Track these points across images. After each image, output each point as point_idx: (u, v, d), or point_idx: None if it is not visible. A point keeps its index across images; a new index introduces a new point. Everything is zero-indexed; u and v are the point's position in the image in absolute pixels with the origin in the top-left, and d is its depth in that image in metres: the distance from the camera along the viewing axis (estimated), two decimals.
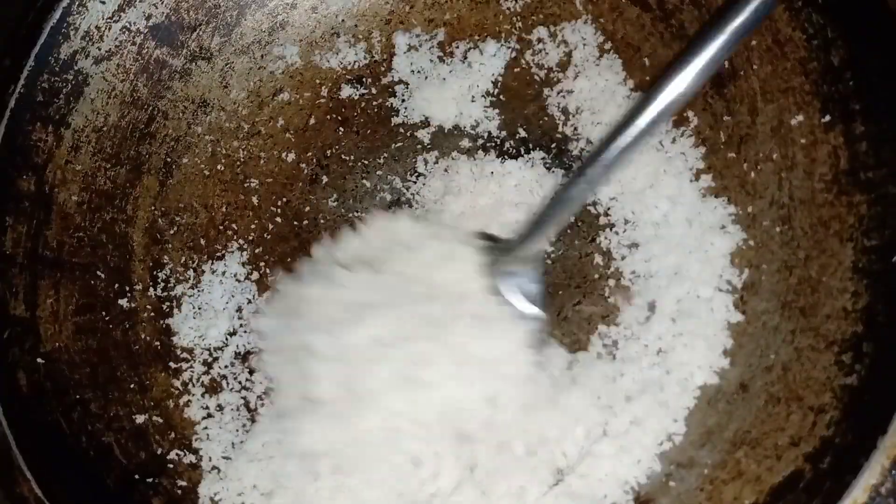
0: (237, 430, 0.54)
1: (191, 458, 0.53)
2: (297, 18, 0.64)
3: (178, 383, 0.56)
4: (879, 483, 0.41)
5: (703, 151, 0.56)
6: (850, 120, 0.49)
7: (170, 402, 0.55)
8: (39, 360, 0.52)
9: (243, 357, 0.56)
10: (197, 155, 0.61)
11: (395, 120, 0.61)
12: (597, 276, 0.55)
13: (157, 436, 0.53)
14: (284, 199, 0.60)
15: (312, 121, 0.62)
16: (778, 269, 0.51)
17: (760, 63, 0.53)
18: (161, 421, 0.54)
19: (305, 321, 0.49)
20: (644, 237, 0.55)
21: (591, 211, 0.57)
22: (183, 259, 0.59)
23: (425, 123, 0.61)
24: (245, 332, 0.57)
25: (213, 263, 0.59)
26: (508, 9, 0.62)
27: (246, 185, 0.61)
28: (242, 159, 0.62)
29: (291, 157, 0.61)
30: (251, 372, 0.56)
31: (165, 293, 0.58)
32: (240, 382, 0.55)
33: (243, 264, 0.59)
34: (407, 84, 0.62)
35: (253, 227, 0.60)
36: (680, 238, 0.54)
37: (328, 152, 0.61)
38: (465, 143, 0.60)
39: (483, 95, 0.61)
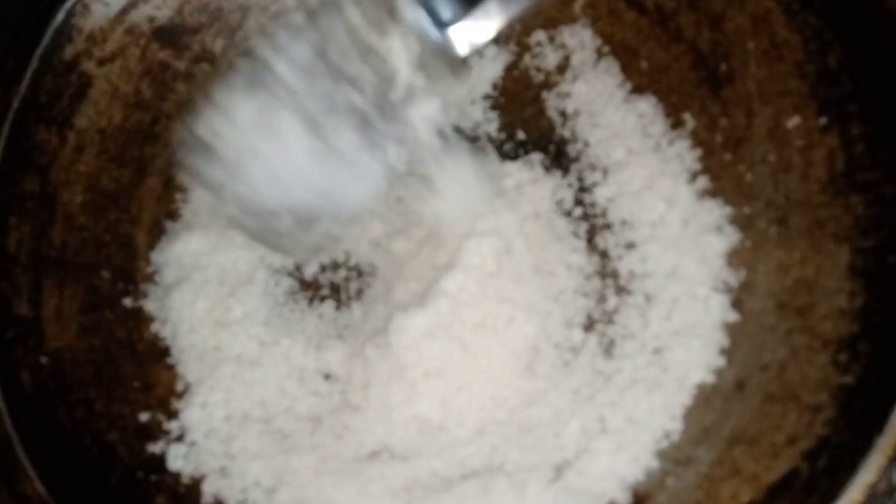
0: None
1: None
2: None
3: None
4: (876, 482, 0.41)
5: (700, 153, 0.56)
6: (846, 122, 0.49)
7: (173, 400, 0.55)
8: (43, 359, 0.52)
9: None
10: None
11: None
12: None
13: (161, 434, 0.54)
14: None
15: None
16: (774, 270, 0.51)
17: (757, 65, 0.54)
18: (165, 419, 0.54)
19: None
20: (641, 237, 0.55)
21: (587, 212, 0.57)
22: None
23: None
24: None
25: None
26: None
27: None
28: None
29: None
30: None
31: None
32: None
33: None
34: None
35: None
36: (676, 238, 0.54)
37: None
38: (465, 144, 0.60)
39: (482, 98, 0.61)
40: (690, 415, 0.50)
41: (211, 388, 0.53)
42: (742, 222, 0.53)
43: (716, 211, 0.54)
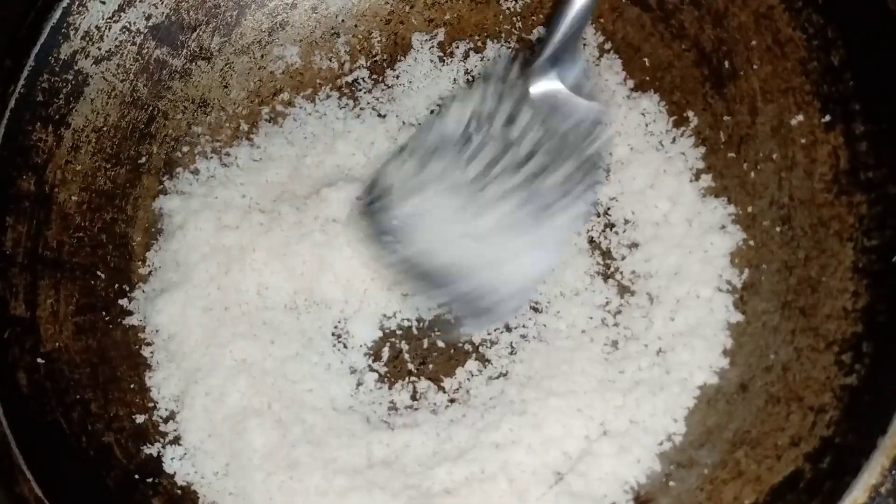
0: None
1: None
2: (297, 18, 0.64)
3: None
4: (879, 483, 0.41)
5: (703, 151, 0.56)
6: (850, 120, 0.49)
7: (170, 402, 0.55)
8: (40, 360, 0.52)
9: None
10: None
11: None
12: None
13: (158, 436, 0.53)
14: None
15: None
16: (778, 269, 0.51)
17: (760, 63, 0.53)
18: (161, 421, 0.54)
19: None
20: (644, 237, 0.55)
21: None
22: None
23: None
24: None
25: None
26: (508, 9, 0.62)
27: None
28: None
29: None
30: None
31: None
32: None
33: None
34: (410, 83, 0.62)
35: None
36: (680, 238, 0.54)
37: None
38: None
39: None
40: (693, 416, 0.50)
41: (207, 391, 0.52)
42: (746, 221, 0.53)
43: (720, 210, 0.54)
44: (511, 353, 0.54)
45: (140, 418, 0.53)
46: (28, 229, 0.55)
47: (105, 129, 0.59)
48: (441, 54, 0.62)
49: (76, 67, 0.57)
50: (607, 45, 0.60)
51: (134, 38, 0.59)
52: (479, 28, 0.62)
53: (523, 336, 0.54)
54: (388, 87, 0.62)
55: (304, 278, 0.55)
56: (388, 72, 0.62)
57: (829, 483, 0.43)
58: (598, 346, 0.53)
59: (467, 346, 0.55)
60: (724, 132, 0.55)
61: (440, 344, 0.55)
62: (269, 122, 0.62)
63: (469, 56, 0.62)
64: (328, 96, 0.62)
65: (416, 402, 0.54)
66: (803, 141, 0.51)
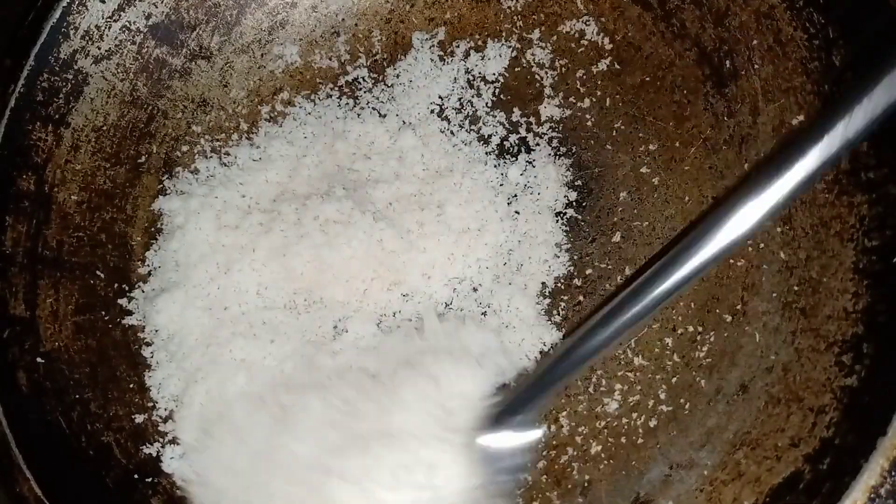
0: None
1: None
2: (297, 17, 0.64)
3: None
4: (879, 484, 0.41)
5: (705, 151, 0.56)
6: None
7: (169, 402, 0.55)
8: (39, 359, 0.52)
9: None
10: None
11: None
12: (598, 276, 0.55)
13: (157, 435, 0.53)
14: None
15: None
16: (779, 270, 0.51)
17: (762, 63, 0.53)
18: (160, 420, 0.54)
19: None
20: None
21: (593, 212, 0.57)
22: None
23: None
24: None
25: None
26: (509, 8, 0.62)
27: None
28: None
29: None
30: None
31: None
32: None
33: None
34: (410, 82, 0.62)
35: None
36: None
37: None
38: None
39: (486, 94, 0.61)
40: (693, 417, 0.50)
41: (207, 391, 0.52)
42: None
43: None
44: None
45: (139, 418, 0.53)
46: (28, 229, 0.54)
47: (105, 128, 0.59)
48: (441, 53, 0.62)
49: (76, 67, 0.57)
50: (608, 46, 0.60)
51: (134, 37, 0.59)
52: (480, 27, 0.62)
53: None
54: (389, 86, 0.62)
55: (303, 278, 0.55)
56: (389, 71, 0.62)
57: (829, 484, 0.43)
58: None
59: None
60: (725, 132, 0.55)
61: None
62: (269, 121, 0.62)
63: (469, 55, 0.62)
64: (328, 95, 0.62)
65: None
66: None
